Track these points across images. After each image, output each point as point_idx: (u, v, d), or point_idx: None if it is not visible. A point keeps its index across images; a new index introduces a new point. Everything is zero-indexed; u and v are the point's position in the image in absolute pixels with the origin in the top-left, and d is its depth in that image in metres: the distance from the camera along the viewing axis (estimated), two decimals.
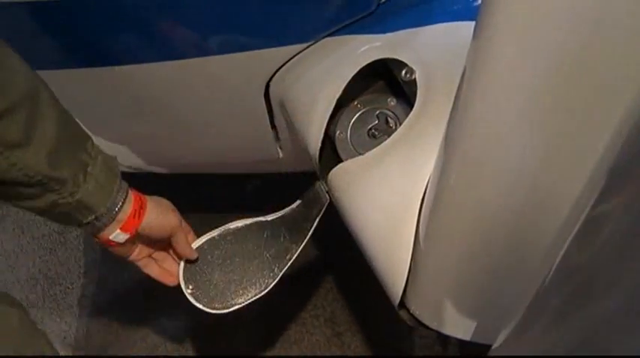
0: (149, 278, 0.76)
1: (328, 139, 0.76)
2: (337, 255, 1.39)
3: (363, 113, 0.75)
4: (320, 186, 0.78)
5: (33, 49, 0.76)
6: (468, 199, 0.52)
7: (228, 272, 0.77)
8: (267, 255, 0.78)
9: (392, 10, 0.70)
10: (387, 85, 0.75)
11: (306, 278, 1.35)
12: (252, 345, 1.28)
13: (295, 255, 0.78)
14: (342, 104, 0.75)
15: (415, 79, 0.67)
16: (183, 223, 0.76)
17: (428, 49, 0.68)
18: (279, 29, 0.71)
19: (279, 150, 0.95)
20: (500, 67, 0.41)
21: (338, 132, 0.75)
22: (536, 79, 0.39)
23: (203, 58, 0.75)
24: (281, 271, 0.78)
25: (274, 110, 0.84)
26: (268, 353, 1.27)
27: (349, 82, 0.71)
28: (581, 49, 0.36)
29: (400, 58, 0.68)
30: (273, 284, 0.78)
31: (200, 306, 0.76)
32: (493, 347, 0.64)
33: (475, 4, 0.68)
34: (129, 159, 1.10)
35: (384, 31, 0.71)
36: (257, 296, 0.78)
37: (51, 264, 1.44)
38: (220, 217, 1.32)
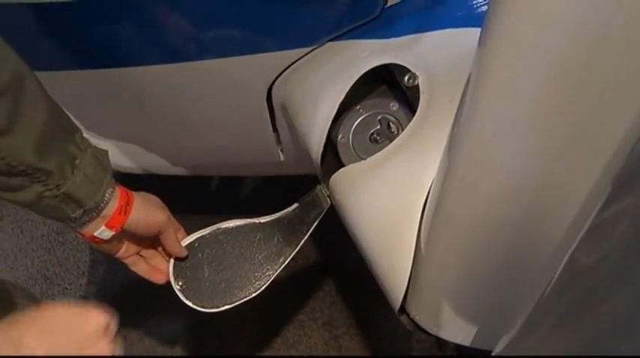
0: (137, 277, 0.75)
1: (330, 143, 0.76)
2: (336, 258, 1.39)
3: (365, 117, 0.75)
4: (321, 190, 0.78)
5: (42, 51, 0.77)
6: (471, 206, 0.53)
7: (218, 271, 0.76)
8: (259, 257, 0.77)
9: (396, 16, 0.71)
10: (389, 89, 0.75)
11: (304, 281, 1.36)
12: (251, 347, 1.28)
13: (289, 259, 0.77)
14: (344, 108, 0.75)
15: (418, 84, 0.68)
16: (172, 220, 0.74)
17: (431, 54, 0.68)
18: (282, 33, 0.72)
19: (281, 153, 0.95)
20: (507, 73, 0.41)
21: (340, 137, 0.75)
22: (543, 85, 0.39)
23: (206, 61, 0.75)
24: (273, 274, 0.77)
25: (276, 113, 0.85)
26: (266, 356, 1.27)
27: (352, 86, 0.72)
28: (587, 57, 0.36)
29: (403, 64, 0.69)
30: (265, 286, 0.77)
31: (189, 304, 0.75)
32: (493, 353, 0.64)
33: (479, 10, 0.69)
34: (130, 160, 1.10)
35: (387, 37, 0.71)
36: (248, 298, 0.77)
37: (49, 264, 1.44)
38: (219, 219, 1.32)
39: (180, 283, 0.75)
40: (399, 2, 0.71)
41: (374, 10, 0.70)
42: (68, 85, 0.83)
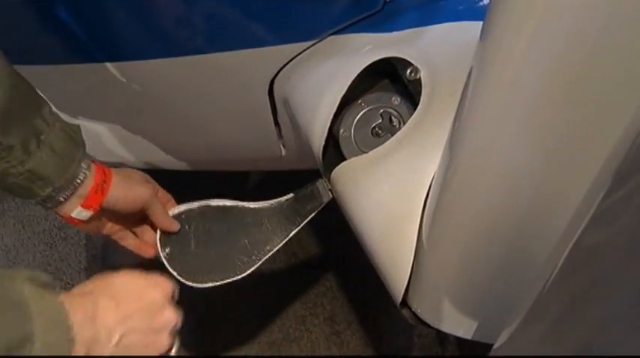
0: (127, 251, 0.72)
1: (332, 137, 0.76)
2: (337, 253, 1.39)
3: (367, 112, 0.75)
4: (322, 183, 0.78)
5: (43, 45, 0.77)
6: (472, 199, 0.53)
7: (204, 248, 0.74)
8: (246, 242, 0.75)
9: (398, 9, 0.71)
10: (391, 83, 0.75)
11: (305, 277, 1.36)
12: (252, 343, 1.28)
13: (276, 248, 0.76)
14: (346, 102, 0.75)
15: (420, 78, 0.68)
16: (161, 193, 0.72)
17: (433, 48, 0.68)
18: (284, 26, 0.72)
19: (282, 147, 0.95)
20: (508, 67, 0.41)
21: (342, 131, 0.75)
22: (543, 79, 0.39)
23: (208, 54, 0.75)
24: (259, 260, 0.75)
25: (278, 108, 0.85)
26: (268, 351, 1.27)
27: (354, 80, 0.71)
28: (588, 50, 0.36)
29: (405, 57, 0.68)
30: (250, 271, 0.75)
31: (174, 274, 0.72)
32: (495, 347, 0.64)
33: (481, 4, 0.69)
34: (131, 155, 1.10)
35: (389, 30, 0.71)
36: (232, 280, 0.74)
37: (51, 259, 1.45)
38: None
39: (166, 251, 0.72)
40: None
41: (376, 4, 0.70)
42: (69, 79, 0.83)
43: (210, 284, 0.74)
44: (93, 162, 0.62)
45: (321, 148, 0.75)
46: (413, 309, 0.69)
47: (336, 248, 1.40)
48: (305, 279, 1.35)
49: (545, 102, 0.41)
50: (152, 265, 0.71)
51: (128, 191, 0.65)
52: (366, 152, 0.71)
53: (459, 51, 0.66)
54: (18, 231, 1.50)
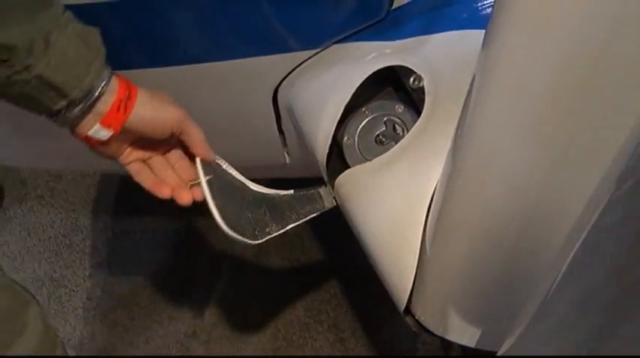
0: (145, 192, 0.64)
1: (336, 145, 0.76)
2: (342, 260, 1.39)
3: (370, 119, 0.76)
4: (325, 191, 0.78)
5: None
6: (475, 207, 0.53)
7: (229, 199, 0.70)
8: (249, 215, 0.72)
9: (401, 18, 0.71)
10: (395, 91, 0.76)
11: (310, 284, 1.36)
12: (256, 349, 1.28)
13: (274, 234, 0.73)
14: (350, 110, 0.75)
15: (423, 86, 0.68)
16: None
17: (436, 56, 0.69)
18: (288, 35, 0.72)
19: (286, 155, 0.95)
20: (510, 75, 0.41)
21: (345, 138, 0.76)
22: (546, 87, 0.40)
23: (213, 62, 0.76)
24: (261, 239, 0.72)
25: (282, 115, 0.85)
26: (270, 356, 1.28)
27: (357, 88, 0.72)
28: (590, 60, 0.37)
29: (408, 66, 0.69)
30: (257, 243, 0.72)
31: (209, 199, 0.67)
32: (498, 354, 0.64)
33: (483, 12, 0.69)
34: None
35: (393, 39, 0.71)
36: (245, 242, 0.71)
37: (56, 266, 1.45)
38: None
39: (208, 177, 0.66)
40: (405, 4, 0.71)
41: (380, 13, 0.70)
42: None
43: (231, 233, 0.69)
44: (115, 74, 0.55)
45: (325, 156, 0.75)
46: (416, 317, 0.69)
47: (339, 255, 1.40)
48: (309, 287, 1.36)
49: (548, 109, 0.41)
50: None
51: (156, 111, 0.58)
52: (370, 160, 0.72)
53: (462, 59, 0.66)
54: (24, 238, 1.50)
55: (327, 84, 0.75)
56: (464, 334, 0.67)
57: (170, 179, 0.65)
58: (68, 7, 0.53)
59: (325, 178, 0.78)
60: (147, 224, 1.50)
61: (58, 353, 0.62)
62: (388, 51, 0.71)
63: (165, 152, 0.65)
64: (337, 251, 1.41)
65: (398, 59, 0.70)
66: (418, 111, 0.70)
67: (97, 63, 0.52)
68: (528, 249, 0.52)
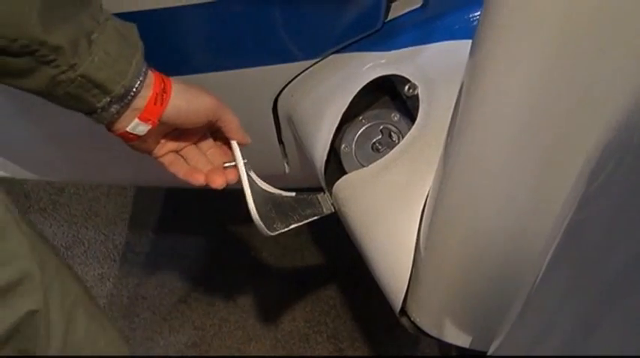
0: (176, 181, 0.65)
1: (334, 153, 0.79)
2: (341, 272, 1.41)
3: (367, 128, 0.78)
4: (323, 198, 0.80)
5: None
6: (465, 209, 0.55)
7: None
8: (259, 208, 0.72)
9: (396, 29, 0.74)
10: (391, 100, 0.78)
11: (309, 295, 1.37)
12: None
13: (280, 231, 0.74)
14: (347, 119, 0.77)
15: (417, 94, 0.70)
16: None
17: (430, 65, 0.71)
18: (288, 45, 0.74)
19: (286, 165, 0.97)
20: (493, 82, 0.44)
21: (343, 146, 0.78)
22: (527, 92, 0.42)
23: (213, 73, 0.77)
24: (272, 232, 0.73)
25: (282, 125, 0.87)
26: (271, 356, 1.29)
27: (355, 97, 0.74)
28: (562, 72, 0.39)
29: (403, 74, 0.71)
30: (268, 234, 0.73)
31: (245, 179, 0.69)
32: (488, 354, 0.66)
33: (474, 24, 0.72)
34: (137, 175, 1.12)
35: (388, 49, 0.74)
36: (261, 228, 0.72)
37: None
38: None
39: (245, 161, 0.68)
40: (399, 16, 0.74)
41: (375, 24, 0.73)
42: None
43: (257, 217, 0.71)
44: (150, 68, 0.56)
45: (324, 163, 0.77)
46: (412, 318, 0.70)
47: (339, 267, 1.42)
48: (308, 298, 1.37)
49: (529, 115, 0.43)
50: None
51: (191, 101, 0.59)
52: (367, 166, 0.74)
53: (454, 67, 0.68)
54: None
55: (325, 93, 0.77)
56: (458, 335, 0.68)
57: (203, 167, 0.66)
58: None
59: (324, 185, 0.80)
60: (147, 236, 1.52)
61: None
62: (384, 61, 0.74)
63: (196, 142, 0.66)
64: (336, 262, 1.42)
65: (393, 68, 0.72)
66: (413, 120, 0.72)
67: (136, 57, 0.53)
68: (515, 247, 0.54)
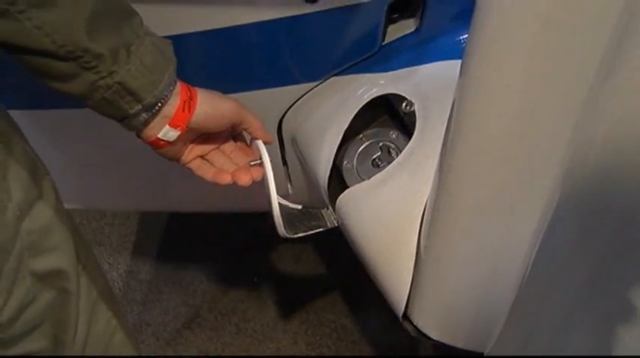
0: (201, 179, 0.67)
1: (336, 170, 0.83)
2: (342, 295, 1.43)
3: (367, 145, 0.83)
4: (327, 213, 0.84)
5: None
6: (459, 218, 0.59)
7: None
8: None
9: (393, 51, 0.79)
10: (389, 119, 0.83)
11: (311, 318, 1.40)
12: None
13: (289, 237, 0.76)
14: (348, 137, 0.82)
15: (414, 110, 0.76)
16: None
17: (425, 84, 0.77)
18: (291, 69, 0.79)
19: (290, 186, 1.01)
20: (481, 99, 0.48)
21: (345, 163, 0.83)
22: (512, 106, 0.47)
23: None
24: (285, 233, 0.76)
25: (286, 147, 0.92)
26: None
27: (355, 117, 0.79)
28: (549, 89, 0.44)
29: (400, 93, 0.77)
30: (284, 235, 0.75)
31: (270, 175, 0.70)
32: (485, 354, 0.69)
33: (464, 45, 0.76)
34: (137, 199, 1.16)
35: (386, 70, 0.79)
36: (279, 228, 0.75)
37: None
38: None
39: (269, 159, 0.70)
40: (395, 40, 0.79)
41: (373, 47, 0.78)
42: (75, 122, 0.89)
43: (278, 214, 0.73)
44: (177, 79, 0.59)
45: (327, 180, 0.81)
46: (414, 323, 0.73)
47: (341, 290, 1.44)
48: (310, 319, 1.39)
49: (513, 126, 0.48)
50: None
51: (216, 106, 0.62)
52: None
53: (448, 85, 0.72)
54: None
55: (326, 113, 0.82)
56: (460, 337, 0.71)
57: (228, 167, 0.69)
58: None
59: (327, 201, 0.84)
60: (150, 264, 1.55)
61: (65, 226, 0.63)
62: (382, 81, 0.79)
63: (220, 145, 0.70)
64: (338, 286, 1.45)
65: (391, 88, 0.77)
66: (410, 136, 0.77)
67: (169, 71, 0.57)
68: (507, 247, 0.58)
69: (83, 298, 0.65)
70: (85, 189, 1.14)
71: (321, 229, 0.81)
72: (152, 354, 1.38)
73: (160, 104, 0.57)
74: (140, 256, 1.56)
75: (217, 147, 0.70)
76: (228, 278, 1.49)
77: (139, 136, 0.60)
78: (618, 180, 0.43)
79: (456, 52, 0.77)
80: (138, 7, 0.55)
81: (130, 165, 1.02)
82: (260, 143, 0.70)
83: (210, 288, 1.48)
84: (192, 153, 0.67)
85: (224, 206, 1.18)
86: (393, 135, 0.82)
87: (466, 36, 0.77)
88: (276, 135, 0.89)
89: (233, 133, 0.71)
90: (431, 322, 0.72)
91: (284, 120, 0.86)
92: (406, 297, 0.70)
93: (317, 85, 0.82)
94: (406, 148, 0.75)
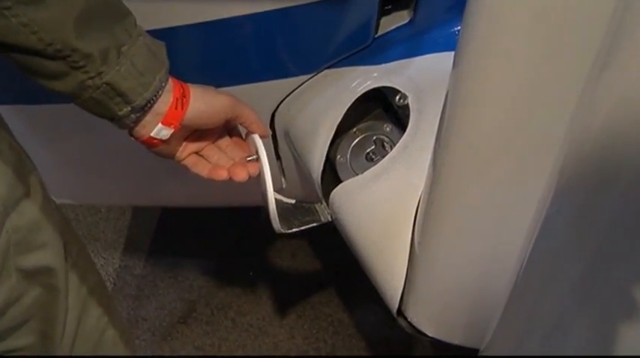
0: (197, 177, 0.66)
1: (329, 164, 0.82)
2: (339, 290, 1.43)
3: (361, 139, 0.82)
4: (320, 207, 0.83)
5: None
6: (454, 211, 0.58)
7: None
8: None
9: (386, 44, 0.78)
10: (383, 112, 0.82)
11: (307, 313, 1.39)
12: None
13: (284, 232, 0.75)
14: (342, 131, 0.81)
15: (408, 103, 0.75)
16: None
17: (419, 76, 0.76)
18: (283, 62, 0.79)
19: (283, 180, 1.01)
20: (474, 91, 0.48)
21: (338, 157, 0.82)
22: (504, 98, 0.46)
23: None
24: (280, 228, 0.75)
25: (279, 140, 0.91)
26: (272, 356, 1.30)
27: (349, 110, 0.78)
28: (531, 90, 0.44)
29: (394, 86, 0.76)
30: (279, 231, 0.75)
31: (266, 170, 0.69)
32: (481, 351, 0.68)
33: (457, 37, 0.76)
34: (132, 193, 1.15)
35: (378, 63, 0.78)
36: (275, 223, 0.74)
37: None
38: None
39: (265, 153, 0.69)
40: (389, 32, 0.78)
41: (366, 40, 0.77)
42: (66, 116, 0.87)
43: (274, 210, 0.73)
44: (170, 76, 0.58)
45: (320, 174, 0.81)
46: (408, 319, 0.73)
47: (337, 284, 1.44)
48: (306, 315, 1.39)
49: (506, 116, 0.47)
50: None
51: (209, 102, 0.61)
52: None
53: (441, 78, 0.71)
54: None
55: (320, 107, 0.81)
56: (454, 333, 0.71)
57: (224, 163, 0.68)
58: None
59: (320, 195, 0.83)
60: (145, 259, 1.54)
61: (54, 220, 0.62)
62: (375, 74, 0.78)
63: (215, 141, 0.69)
64: (335, 280, 1.45)
65: (384, 80, 0.76)
66: (404, 129, 0.76)
67: (161, 74, 0.56)
68: (501, 242, 0.57)
69: (72, 294, 0.65)
70: (77, 184, 1.13)
71: (315, 224, 0.80)
72: (148, 349, 1.37)
73: (151, 102, 0.56)
74: (135, 251, 1.56)
75: (212, 143, 0.68)
76: (224, 273, 1.49)
77: (131, 135, 0.59)
78: (614, 173, 0.42)
79: (451, 43, 0.75)
80: (129, 1, 0.54)
81: (123, 159, 1.02)
82: (256, 137, 0.69)
83: (206, 283, 1.47)
84: (186, 150, 0.66)
85: (219, 201, 1.18)
86: (387, 129, 0.81)
87: (459, 27, 0.76)
88: (268, 129, 0.88)
89: (228, 128, 0.70)
90: (425, 318, 0.71)
91: (277, 113, 0.85)
92: (400, 293, 0.70)
93: (310, 78, 0.81)
94: (400, 142, 0.74)
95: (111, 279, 1.50)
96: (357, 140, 0.82)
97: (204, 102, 0.60)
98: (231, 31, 0.74)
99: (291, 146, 0.88)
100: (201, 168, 0.67)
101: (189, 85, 0.60)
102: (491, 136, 0.49)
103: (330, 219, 0.82)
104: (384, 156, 0.78)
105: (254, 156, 0.69)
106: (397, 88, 0.75)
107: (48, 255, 0.60)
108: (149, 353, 1.36)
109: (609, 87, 0.40)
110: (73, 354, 0.66)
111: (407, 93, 0.75)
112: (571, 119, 0.44)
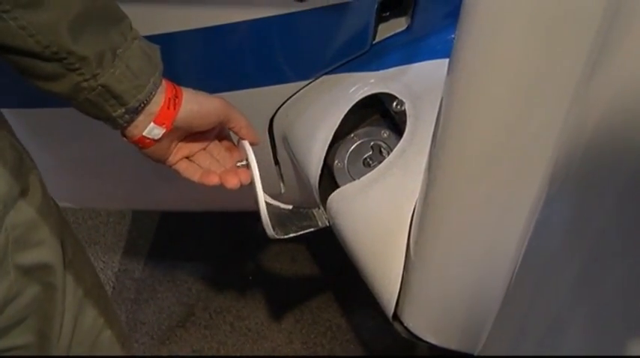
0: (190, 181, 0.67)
1: (327, 169, 0.83)
2: (337, 295, 1.43)
3: (358, 144, 0.83)
4: (318, 212, 0.83)
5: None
6: (447, 217, 0.58)
7: None
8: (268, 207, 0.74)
9: (383, 50, 0.79)
10: (380, 118, 0.83)
11: (305, 317, 1.39)
12: None
13: (279, 237, 0.75)
14: (339, 137, 0.82)
15: (405, 109, 0.75)
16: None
17: (416, 83, 0.76)
18: (282, 68, 0.79)
19: (282, 186, 1.01)
20: (467, 96, 0.48)
21: (336, 162, 0.82)
22: (498, 102, 0.47)
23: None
24: (274, 234, 0.75)
25: (277, 145, 0.91)
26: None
27: (346, 116, 0.79)
28: (524, 100, 0.44)
29: (391, 92, 0.76)
30: (272, 236, 0.75)
31: (257, 177, 0.69)
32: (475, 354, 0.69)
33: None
34: (131, 197, 1.15)
35: (376, 69, 0.79)
36: (268, 228, 0.74)
37: None
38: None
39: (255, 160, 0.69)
40: (386, 38, 0.79)
41: (364, 46, 0.78)
42: (64, 119, 0.88)
43: (266, 215, 0.72)
44: (164, 78, 0.59)
45: (317, 179, 0.81)
46: (404, 324, 0.73)
47: (336, 289, 1.44)
48: (305, 320, 1.39)
49: (497, 124, 0.48)
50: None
51: (202, 104, 0.62)
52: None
53: (438, 84, 0.72)
54: None
55: (317, 112, 0.81)
56: (450, 338, 0.71)
57: (215, 169, 0.69)
58: None
59: (318, 200, 0.84)
60: (144, 263, 1.54)
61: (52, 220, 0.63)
62: (372, 80, 0.78)
63: (206, 147, 0.69)
64: (333, 285, 1.45)
65: (381, 87, 0.77)
66: (401, 136, 0.76)
67: (155, 76, 0.57)
68: (496, 245, 0.58)
69: (69, 294, 0.65)
70: (78, 187, 1.14)
71: (312, 229, 0.81)
72: (147, 352, 1.37)
73: (144, 103, 0.57)
74: (134, 255, 1.56)
75: (204, 148, 0.69)
76: (222, 277, 1.49)
77: (124, 135, 0.60)
78: (608, 174, 0.43)
79: (447, 50, 0.74)
80: (127, 6, 0.54)
81: (123, 163, 1.02)
82: (246, 143, 0.69)
83: (205, 287, 1.48)
84: (178, 154, 0.66)
85: (218, 205, 1.18)
86: (385, 134, 0.82)
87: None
88: (267, 134, 0.88)
89: (219, 134, 0.71)
90: (421, 323, 0.71)
91: (275, 119, 0.86)
92: (396, 298, 0.70)
93: (308, 84, 0.81)
94: (397, 147, 0.74)
95: (110, 283, 1.51)
96: (354, 146, 0.83)
97: (196, 104, 0.61)
98: (230, 37, 0.75)
99: (290, 151, 0.88)
100: (193, 173, 0.67)
101: (182, 87, 0.61)
102: (485, 141, 0.49)
103: (327, 224, 0.82)
104: (381, 162, 0.78)
105: (244, 162, 0.70)
106: (394, 94, 0.76)
107: (46, 252, 0.61)
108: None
109: (601, 89, 0.41)
110: (70, 354, 0.66)
111: (404, 100, 0.75)
112: (564, 122, 0.44)
